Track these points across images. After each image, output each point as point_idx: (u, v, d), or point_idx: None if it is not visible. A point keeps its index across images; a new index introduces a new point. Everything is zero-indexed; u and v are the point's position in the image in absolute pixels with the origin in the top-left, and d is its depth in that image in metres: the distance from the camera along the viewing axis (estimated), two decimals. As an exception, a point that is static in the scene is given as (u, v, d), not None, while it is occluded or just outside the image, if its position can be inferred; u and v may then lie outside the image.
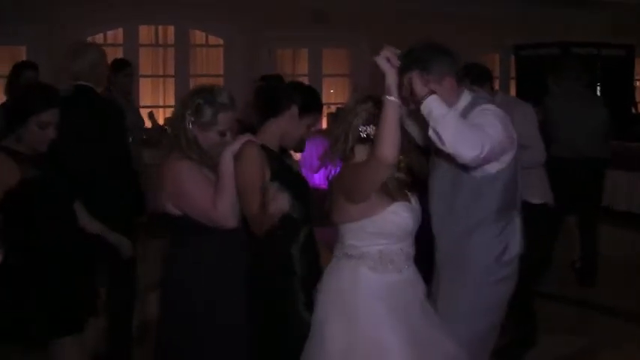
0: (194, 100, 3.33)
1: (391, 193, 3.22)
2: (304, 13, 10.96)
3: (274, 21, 10.75)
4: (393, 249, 3.22)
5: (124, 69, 6.73)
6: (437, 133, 3.05)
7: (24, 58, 9.50)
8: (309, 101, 3.56)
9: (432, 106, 3.09)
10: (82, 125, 4.51)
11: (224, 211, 3.22)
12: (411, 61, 3.28)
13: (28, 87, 4.07)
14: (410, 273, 3.29)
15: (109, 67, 5.15)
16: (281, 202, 3.17)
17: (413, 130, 3.79)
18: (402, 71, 3.14)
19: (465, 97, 3.47)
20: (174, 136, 3.35)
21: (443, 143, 3.04)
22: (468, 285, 3.47)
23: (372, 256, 3.21)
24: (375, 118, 3.16)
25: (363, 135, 3.21)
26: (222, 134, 3.35)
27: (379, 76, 3.03)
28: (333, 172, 3.41)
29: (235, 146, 3.27)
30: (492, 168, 3.35)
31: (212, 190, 3.24)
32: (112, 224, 4.16)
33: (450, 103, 3.31)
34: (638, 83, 13.82)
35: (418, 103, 3.16)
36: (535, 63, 11.22)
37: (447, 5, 11.16)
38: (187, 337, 3.34)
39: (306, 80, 11.58)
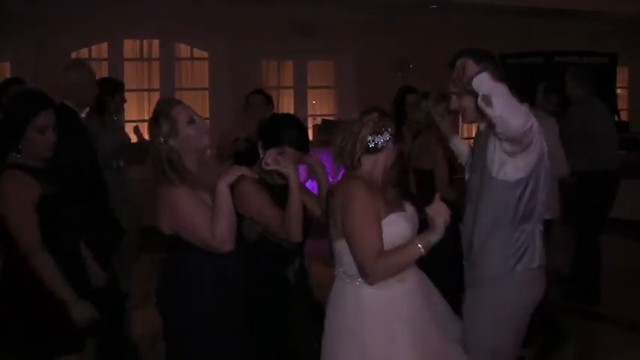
0: (154, 123, 3.32)
1: (389, 203, 3.25)
2: (289, 25, 10.97)
3: (259, 33, 10.75)
4: None
5: (120, 90, 6.70)
6: (489, 102, 3.09)
7: (8, 73, 9.48)
8: (268, 137, 3.60)
9: (483, 78, 3.14)
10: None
11: (222, 238, 3.21)
12: (464, 52, 3.43)
13: (13, 97, 3.98)
14: (414, 281, 3.28)
15: (94, 86, 5.10)
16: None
17: (459, 147, 4.10)
18: (455, 60, 3.40)
19: None
20: (156, 164, 3.31)
21: (493, 110, 3.08)
22: (485, 290, 3.51)
23: None
24: (381, 127, 3.23)
25: (371, 145, 3.23)
26: (191, 122, 3.31)
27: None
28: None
29: (230, 178, 3.25)
30: (513, 175, 3.40)
31: (209, 217, 3.22)
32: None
33: None
34: (619, 91, 13.91)
35: (469, 82, 3.22)
36: (519, 72, 11.27)
37: (432, 16, 11.22)
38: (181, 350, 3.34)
39: (291, 92, 11.64)
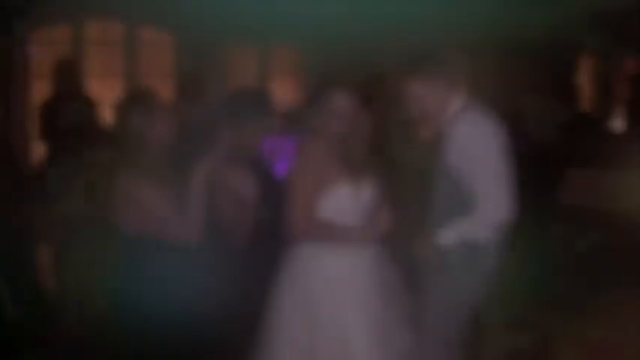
0: (130, 106, 3.27)
1: (350, 168, 3.28)
2: (256, 13, 10.89)
3: (225, 20, 10.66)
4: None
5: (70, 69, 6.60)
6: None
7: (-36, 55, 9.32)
8: (242, 109, 3.50)
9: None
10: None
11: (188, 229, 3.16)
12: (409, 65, 3.49)
13: None
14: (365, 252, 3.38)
15: None
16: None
17: None
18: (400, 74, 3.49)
19: (458, 101, 3.51)
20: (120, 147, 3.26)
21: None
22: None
23: None
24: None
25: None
26: (165, 116, 3.31)
27: None
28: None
29: (207, 164, 3.21)
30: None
31: (171, 209, 3.16)
32: None
33: (444, 102, 3.48)
34: (580, 81, 14.04)
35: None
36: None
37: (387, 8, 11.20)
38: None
39: (255, 81, 11.60)
